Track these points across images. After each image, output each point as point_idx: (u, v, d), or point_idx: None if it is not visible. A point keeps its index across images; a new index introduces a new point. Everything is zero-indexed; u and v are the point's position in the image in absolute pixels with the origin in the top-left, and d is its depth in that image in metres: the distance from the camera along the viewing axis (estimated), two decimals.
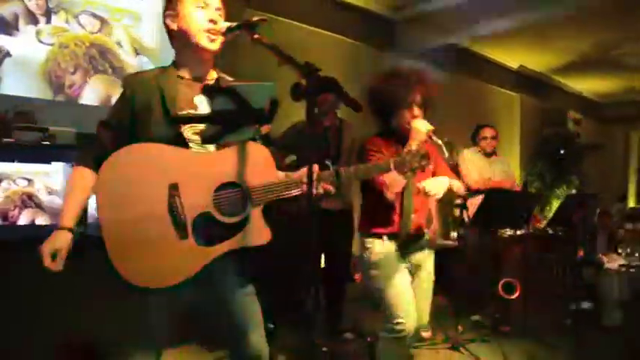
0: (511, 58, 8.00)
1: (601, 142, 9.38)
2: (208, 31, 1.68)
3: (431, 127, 2.30)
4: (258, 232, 1.68)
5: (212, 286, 1.72)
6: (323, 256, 3.67)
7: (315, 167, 1.66)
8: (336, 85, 1.50)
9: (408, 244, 2.47)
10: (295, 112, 2.90)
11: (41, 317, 2.74)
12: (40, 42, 3.53)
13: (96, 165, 1.64)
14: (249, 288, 1.81)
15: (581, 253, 4.50)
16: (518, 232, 4.29)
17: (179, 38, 1.74)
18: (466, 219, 4.01)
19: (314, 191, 1.60)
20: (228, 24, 1.67)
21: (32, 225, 3.09)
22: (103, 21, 3.81)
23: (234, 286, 1.77)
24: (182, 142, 1.66)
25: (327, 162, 2.93)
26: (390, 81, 2.40)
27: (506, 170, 4.61)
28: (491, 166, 4.53)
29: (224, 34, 1.68)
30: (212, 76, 1.80)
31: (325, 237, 3.20)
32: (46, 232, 1.62)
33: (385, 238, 2.45)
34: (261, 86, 1.60)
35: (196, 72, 1.75)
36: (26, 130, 2.90)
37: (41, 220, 3.12)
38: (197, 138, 1.68)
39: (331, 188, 1.74)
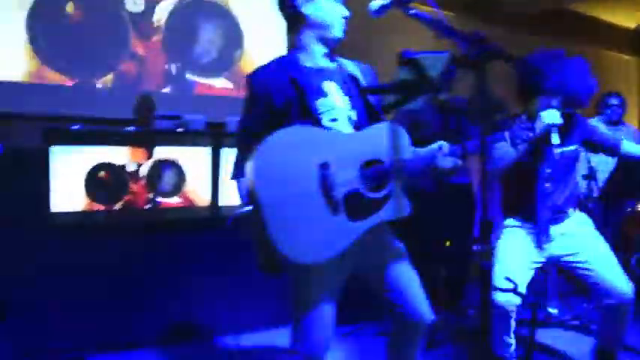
0: (627, 17, 7.40)
1: None
2: (343, 21, 1.75)
3: (559, 122, 2.25)
4: (401, 206, 1.76)
5: (369, 257, 1.79)
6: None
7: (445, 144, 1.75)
8: (505, 53, 1.45)
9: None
10: None
11: None
12: None
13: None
14: (403, 256, 1.86)
15: None
16: None
17: (308, 25, 1.79)
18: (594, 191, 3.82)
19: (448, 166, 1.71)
20: (380, 2, 1.66)
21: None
22: None
23: (390, 255, 1.84)
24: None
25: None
26: (549, 64, 2.35)
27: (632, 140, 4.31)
28: (617, 135, 4.25)
29: (376, 11, 1.68)
30: (335, 62, 1.86)
31: (450, 211, 3.20)
32: None
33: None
34: (438, 57, 1.60)
35: (321, 60, 1.82)
36: (163, 119, 3.09)
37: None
38: (333, 125, 1.74)
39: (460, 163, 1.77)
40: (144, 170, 3.12)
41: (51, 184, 2.89)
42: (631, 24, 7.58)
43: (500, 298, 2.36)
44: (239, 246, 3.14)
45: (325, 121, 1.74)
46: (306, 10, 1.77)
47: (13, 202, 2.80)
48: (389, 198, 1.73)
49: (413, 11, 1.54)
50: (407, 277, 1.84)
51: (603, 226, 3.99)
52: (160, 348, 3.07)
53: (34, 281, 2.77)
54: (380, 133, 1.74)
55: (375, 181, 1.71)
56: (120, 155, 3.05)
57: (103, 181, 2.99)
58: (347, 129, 1.77)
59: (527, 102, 2.50)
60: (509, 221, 2.61)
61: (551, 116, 2.28)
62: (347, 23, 1.79)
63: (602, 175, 3.85)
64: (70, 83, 3.39)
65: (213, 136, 3.25)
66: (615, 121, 4.34)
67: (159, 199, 3.19)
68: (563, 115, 2.30)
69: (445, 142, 1.75)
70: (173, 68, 3.72)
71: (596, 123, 4.29)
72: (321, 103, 1.74)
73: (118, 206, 3.08)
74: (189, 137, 3.22)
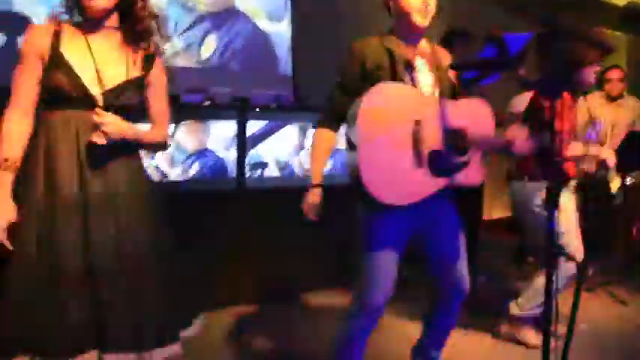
0: None
1: None
2: (420, 10, 1.85)
3: None
4: (476, 174, 1.94)
5: (432, 216, 1.95)
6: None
7: None
8: (575, 32, 1.57)
9: None
10: None
11: None
12: None
13: (336, 125, 1.94)
14: (457, 220, 2.04)
15: None
16: None
17: (395, 12, 1.93)
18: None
19: None
20: None
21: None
22: None
23: (449, 217, 2.02)
24: None
25: None
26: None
27: (633, 115, 4.47)
28: (617, 110, 4.40)
29: None
30: (423, 44, 1.99)
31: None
32: None
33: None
34: (519, 37, 1.72)
35: (410, 41, 1.95)
36: (192, 92, 3.16)
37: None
38: (424, 91, 1.91)
39: None
40: None
41: None
42: (620, 1, 7.74)
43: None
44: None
45: None
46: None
47: None
48: (465, 165, 1.90)
49: None
50: (457, 248, 2.02)
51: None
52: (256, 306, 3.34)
53: None
54: (469, 106, 1.94)
55: (456, 147, 1.87)
56: None
57: None
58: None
59: None
60: None
61: None
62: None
63: None
64: None
65: (238, 110, 3.32)
66: (615, 96, 4.44)
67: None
68: None
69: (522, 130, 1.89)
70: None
71: (592, 99, 4.43)
72: (410, 75, 1.89)
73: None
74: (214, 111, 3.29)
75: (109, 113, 1.60)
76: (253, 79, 3.93)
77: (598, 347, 2.84)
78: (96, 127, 1.58)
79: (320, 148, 1.97)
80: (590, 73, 2.56)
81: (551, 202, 1.46)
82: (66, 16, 1.68)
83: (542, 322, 1.47)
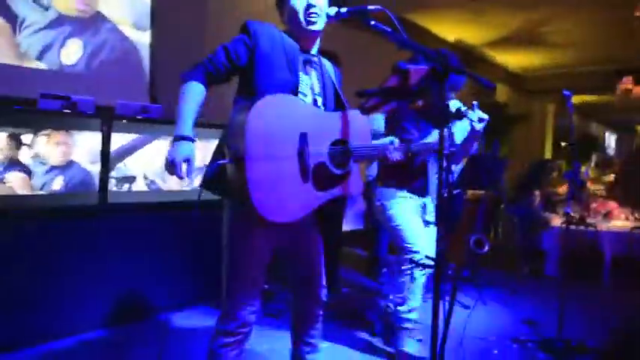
0: (449, 31, 8.50)
1: (525, 112, 10.24)
2: (307, 13, 1.88)
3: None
4: (356, 185, 1.98)
5: (297, 229, 1.93)
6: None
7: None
8: (465, 70, 1.74)
9: None
10: None
11: None
12: None
13: (206, 82, 1.83)
14: (318, 232, 2.06)
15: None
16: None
17: (286, 15, 1.95)
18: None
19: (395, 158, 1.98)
20: (336, 9, 1.86)
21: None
22: None
23: (311, 229, 2.03)
24: (296, 93, 1.87)
25: None
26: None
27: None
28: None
29: (332, 16, 1.88)
30: (314, 48, 2.00)
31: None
32: None
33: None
34: (421, 70, 1.84)
35: (302, 44, 1.96)
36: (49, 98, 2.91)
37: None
38: (308, 92, 1.91)
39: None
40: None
41: None
42: (451, 37, 8.72)
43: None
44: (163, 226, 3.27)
45: (299, 92, 1.88)
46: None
47: None
48: (348, 176, 1.94)
49: (373, 22, 1.75)
50: (319, 260, 2.06)
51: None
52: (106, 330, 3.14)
53: None
54: (350, 118, 1.95)
55: (339, 159, 1.91)
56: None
57: None
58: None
59: None
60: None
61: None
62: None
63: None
64: None
65: (103, 120, 3.13)
66: None
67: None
68: None
69: (396, 139, 2.03)
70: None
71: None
72: (300, 76, 1.88)
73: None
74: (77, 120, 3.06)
75: None
76: (119, 88, 3.74)
77: None
78: None
79: (190, 99, 1.78)
80: None
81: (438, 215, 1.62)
82: None
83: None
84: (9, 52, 3.34)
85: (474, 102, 2.35)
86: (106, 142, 3.13)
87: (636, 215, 5.42)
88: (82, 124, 3.05)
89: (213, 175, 1.77)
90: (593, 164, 8.71)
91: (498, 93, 10.33)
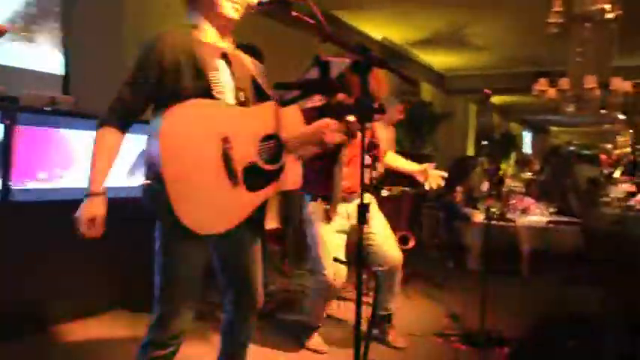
0: (375, 29, 8.59)
1: (448, 111, 10.55)
2: (232, 0, 1.75)
3: None
4: (293, 179, 1.90)
5: (232, 233, 1.79)
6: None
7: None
8: (386, 63, 1.69)
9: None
10: None
11: None
12: None
13: (122, 125, 1.69)
14: (259, 242, 1.99)
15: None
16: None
17: (202, 3, 1.78)
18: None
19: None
20: None
21: None
22: None
23: (252, 239, 1.95)
24: (210, 96, 1.70)
25: None
26: None
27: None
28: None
29: (252, 6, 1.77)
30: (228, 42, 1.86)
31: None
32: None
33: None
34: (342, 63, 1.76)
35: (215, 38, 1.81)
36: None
37: None
38: (221, 97, 1.73)
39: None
40: None
41: None
42: (378, 35, 8.82)
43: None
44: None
45: (214, 93, 1.71)
46: None
47: None
48: (283, 170, 1.85)
49: (294, 13, 1.67)
50: (258, 262, 1.99)
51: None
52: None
53: None
54: (274, 111, 1.83)
55: (271, 155, 1.82)
56: None
57: None
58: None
59: None
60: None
61: None
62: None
63: None
64: None
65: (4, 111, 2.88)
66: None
67: None
68: None
69: (331, 120, 1.89)
70: None
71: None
72: (213, 75, 1.72)
73: None
74: None
75: None
76: (25, 77, 3.46)
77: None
78: None
79: (103, 150, 1.67)
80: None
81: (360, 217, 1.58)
82: None
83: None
84: None
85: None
86: (7, 134, 2.88)
87: (551, 210, 5.67)
88: None
89: (143, 197, 1.69)
90: (512, 162, 9.10)
91: (423, 92, 10.59)
